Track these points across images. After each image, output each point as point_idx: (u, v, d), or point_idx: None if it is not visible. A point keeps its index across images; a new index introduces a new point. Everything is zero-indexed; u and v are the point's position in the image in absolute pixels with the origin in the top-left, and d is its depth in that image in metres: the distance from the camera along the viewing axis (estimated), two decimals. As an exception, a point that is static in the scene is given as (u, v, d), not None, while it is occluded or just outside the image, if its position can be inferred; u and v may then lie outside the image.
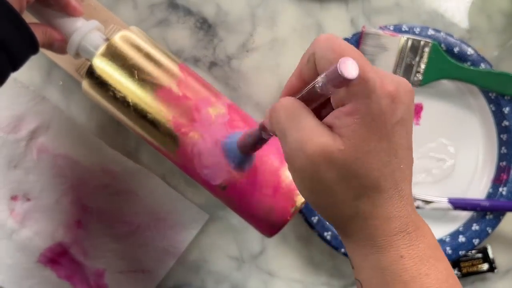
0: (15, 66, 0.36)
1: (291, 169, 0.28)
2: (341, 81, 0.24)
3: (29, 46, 0.36)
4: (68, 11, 0.40)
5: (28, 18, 0.37)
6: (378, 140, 0.26)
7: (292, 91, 0.30)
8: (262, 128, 0.32)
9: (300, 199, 0.40)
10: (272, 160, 0.40)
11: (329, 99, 0.27)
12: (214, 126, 0.40)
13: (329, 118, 0.27)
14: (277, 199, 0.39)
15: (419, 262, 0.26)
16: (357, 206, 0.27)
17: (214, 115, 0.40)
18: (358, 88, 0.25)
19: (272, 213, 0.40)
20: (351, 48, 0.26)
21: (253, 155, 0.39)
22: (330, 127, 0.27)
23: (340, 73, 0.23)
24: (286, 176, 0.40)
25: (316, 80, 0.26)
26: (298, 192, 0.39)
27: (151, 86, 0.39)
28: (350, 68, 0.23)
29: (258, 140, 0.34)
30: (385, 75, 0.27)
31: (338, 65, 0.23)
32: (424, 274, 0.26)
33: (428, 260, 0.26)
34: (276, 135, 0.29)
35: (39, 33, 0.38)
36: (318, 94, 0.26)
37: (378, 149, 0.26)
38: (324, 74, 0.25)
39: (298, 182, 0.28)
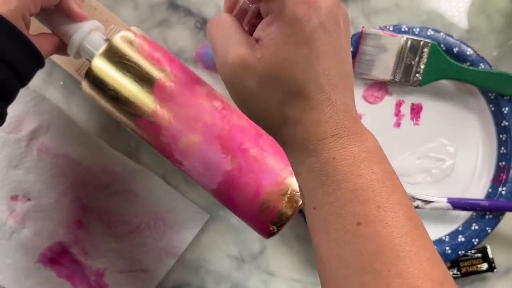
0: (23, 83, 0.36)
1: (222, 80, 0.29)
2: None
3: (35, 62, 0.36)
4: (72, 18, 0.40)
5: (33, 27, 0.37)
6: (296, 46, 0.26)
7: (229, 7, 0.31)
8: None
9: (284, 202, 0.39)
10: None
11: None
12: (215, 121, 0.40)
13: (256, 31, 0.28)
14: (260, 203, 0.39)
15: (352, 163, 0.27)
16: (285, 112, 0.28)
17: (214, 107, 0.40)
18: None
19: (262, 215, 0.39)
20: None
21: None
22: (258, 40, 0.28)
23: None
24: (273, 183, 0.39)
25: None
26: (284, 193, 0.39)
27: (152, 86, 0.39)
28: None
29: None
30: None
31: None
32: (357, 175, 0.27)
33: (362, 162, 0.27)
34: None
35: (47, 45, 0.39)
36: (244, 10, 0.28)
37: (297, 55, 0.27)
38: None
39: (230, 93, 0.30)
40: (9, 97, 0.36)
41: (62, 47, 0.41)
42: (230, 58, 0.28)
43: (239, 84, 0.28)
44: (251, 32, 0.29)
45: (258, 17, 0.30)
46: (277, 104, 0.28)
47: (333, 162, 0.27)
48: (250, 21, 0.31)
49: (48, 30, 0.41)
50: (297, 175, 0.29)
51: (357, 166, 0.27)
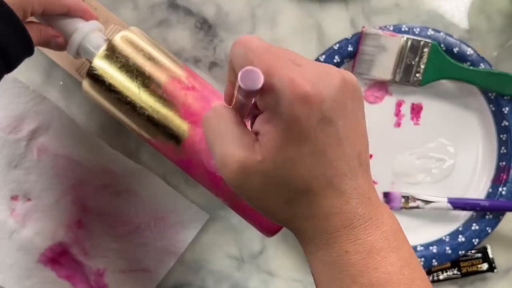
0: (10, 68, 0.36)
1: (224, 180, 0.27)
2: (246, 93, 0.23)
3: (25, 49, 0.36)
4: (84, 16, 0.40)
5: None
6: (298, 145, 0.25)
7: (229, 97, 0.30)
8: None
9: None
10: None
11: None
12: None
13: (255, 125, 0.27)
14: None
15: (366, 256, 0.25)
16: (292, 210, 0.26)
17: None
18: (267, 96, 0.25)
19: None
20: (264, 49, 0.25)
21: None
22: (257, 134, 0.26)
23: (241, 86, 0.23)
24: None
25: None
26: None
27: (153, 86, 0.39)
28: (251, 79, 0.23)
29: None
30: (303, 72, 0.25)
31: (238, 77, 0.23)
32: (372, 268, 0.25)
33: (378, 253, 0.25)
34: None
35: (35, 32, 0.38)
36: (241, 102, 0.26)
37: (300, 154, 0.25)
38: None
39: (234, 191, 0.28)
40: None
41: (49, 35, 0.39)
42: (229, 162, 0.26)
43: (241, 186, 0.26)
44: (253, 122, 0.28)
45: (258, 108, 0.27)
46: (284, 202, 0.26)
47: (346, 256, 0.25)
48: (249, 113, 0.28)
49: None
50: (309, 261, 0.28)
51: (372, 259, 0.25)
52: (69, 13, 0.40)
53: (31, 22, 0.39)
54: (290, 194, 0.26)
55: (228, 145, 0.26)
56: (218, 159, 0.27)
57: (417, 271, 0.26)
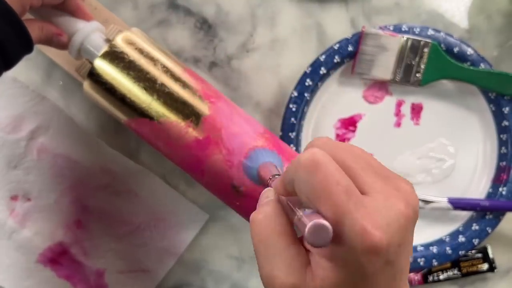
0: (8, 65, 0.35)
1: None
2: (311, 245, 0.22)
3: (24, 46, 0.36)
4: (79, 16, 0.40)
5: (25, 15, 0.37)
6: (354, 286, 0.24)
7: (282, 190, 0.27)
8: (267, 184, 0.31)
9: None
10: None
11: None
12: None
13: (311, 249, 0.25)
14: None
15: None
16: None
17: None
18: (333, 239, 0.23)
19: None
20: (335, 181, 0.23)
21: None
22: (307, 256, 0.25)
23: (308, 241, 0.21)
24: None
25: (296, 213, 0.24)
26: None
27: (154, 86, 0.39)
28: (320, 237, 0.21)
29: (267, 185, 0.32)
30: (373, 212, 0.23)
31: (305, 232, 0.21)
32: None
33: None
34: None
35: (36, 29, 0.38)
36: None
37: None
38: (304, 227, 0.22)
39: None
40: None
41: (51, 32, 0.39)
42: (277, 285, 0.24)
43: None
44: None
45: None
46: None
47: None
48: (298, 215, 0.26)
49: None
50: None
51: None
52: (65, 6, 0.39)
53: (32, 19, 0.39)
54: None
55: (278, 265, 0.24)
56: (265, 277, 0.25)
57: None
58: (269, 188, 0.28)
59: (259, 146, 0.40)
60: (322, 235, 0.21)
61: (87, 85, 0.40)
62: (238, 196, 0.40)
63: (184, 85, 0.40)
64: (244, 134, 0.40)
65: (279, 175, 0.31)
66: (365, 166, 0.25)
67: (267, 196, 0.27)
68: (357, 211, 0.23)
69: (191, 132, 0.39)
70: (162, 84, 0.39)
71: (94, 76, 0.39)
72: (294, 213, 0.24)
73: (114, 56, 0.39)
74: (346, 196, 0.23)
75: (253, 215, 0.26)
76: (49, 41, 0.40)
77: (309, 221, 0.21)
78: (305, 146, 0.26)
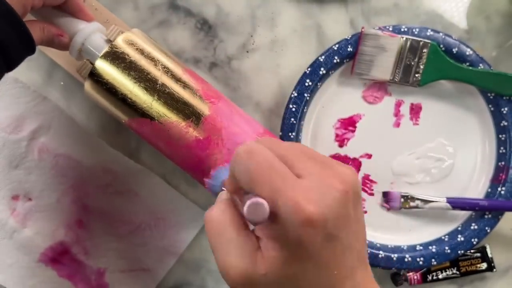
0: (10, 67, 0.36)
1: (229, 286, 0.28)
2: (251, 222, 0.24)
3: (26, 48, 0.36)
4: (80, 16, 0.40)
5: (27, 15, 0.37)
6: (301, 262, 0.25)
7: (233, 186, 0.29)
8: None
9: None
10: None
11: None
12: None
13: (258, 230, 0.27)
14: None
15: None
16: None
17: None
18: (272, 217, 0.25)
19: None
20: (267, 167, 0.25)
21: None
22: (259, 240, 0.26)
23: (247, 218, 0.23)
24: None
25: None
26: None
27: (155, 87, 0.39)
28: (257, 213, 0.23)
29: None
30: (306, 188, 0.25)
31: (244, 210, 0.23)
32: None
33: None
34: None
35: (37, 30, 0.38)
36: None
37: (304, 269, 0.25)
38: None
39: None
40: None
41: (52, 33, 0.39)
42: (231, 272, 0.26)
43: None
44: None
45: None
46: None
47: None
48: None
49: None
50: None
51: None
52: (65, 7, 0.39)
53: (34, 20, 0.39)
54: None
55: (231, 253, 0.26)
56: (220, 266, 0.27)
57: None
58: (223, 191, 0.29)
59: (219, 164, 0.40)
60: (259, 211, 0.23)
61: (88, 86, 0.40)
62: None
63: (185, 85, 0.40)
64: (244, 134, 0.40)
65: None
66: (300, 154, 0.27)
67: (220, 197, 0.29)
68: (291, 189, 0.24)
69: (192, 132, 0.40)
70: (163, 85, 0.40)
71: (95, 77, 0.39)
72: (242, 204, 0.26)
73: (115, 57, 0.39)
74: (281, 178, 0.25)
75: (207, 213, 0.28)
76: (50, 42, 0.40)
77: (247, 201, 0.23)
78: None
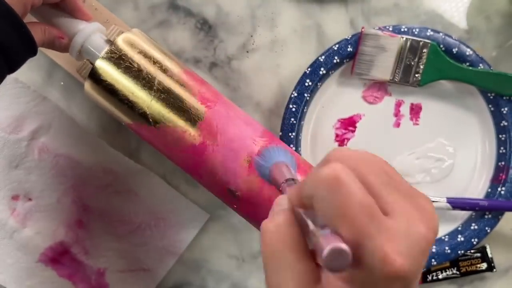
0: (12, 68, 0.36)
1: None
2: (328, 269, 0.21)
3: (28, 49, 0.36)
4: (78, 16, 0.40)
5: (27, 17, 0.37)
6: None
7: (297, 199, 0.26)
8: (280, 188, 0.30)
9: None
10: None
11: None
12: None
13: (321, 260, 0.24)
14: None
15: None
16: None
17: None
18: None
19: None
20: (358, 202, 0.22)
21: None
22: (318, 271, 0.24)
23: (325, 265, 0.20)
24: None
25: (312, 230, 0.23)
26: None
27: (154, 88, 0.39)
28: (338, 261, 0.20)
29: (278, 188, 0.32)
30: (395, 236, 0.22)
31: (323, 256, 0.20)
32: None
33: None
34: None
35: (39, 32, 0.38)
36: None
37: None
38: (321, 249, 0.21)
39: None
40: None
41: (53, 35, 0.39)
42: None
43: None
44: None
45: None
46: None
47: None
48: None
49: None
50: None
51: None
52: (64, 5, 0.40)
53: (35, 22, 0.39)
54: None
55: (287, 281, 0.23)
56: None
57: None
58: (284, 196, 0.27)
59: (271, 144, 0.39)
60: (340, 260, 0.20)
61: (88, 86, 0.40)
62: (235, 200, 0.40)
63: (183, 87, 0.40)
64: (241, 140, 0.40)
65: (293, 179, 0.30)
66: (387, 183, 0.24)
67: (281, 204, 0.26)
68: (379, 235, 0.22)
69: (188, 138, 0.39)
70: (161, 86, 0.39)
71: (95, 77, 0.39)
72: (308, 228, 0.23)
73: (115, 57, 0.39)
74: (369, 218, 0.22)
75: (264, 224, 0.25)
76: (51, 44, 0.40)
77: (327, 244, 0.20)
78: (324, 158, 0.25)
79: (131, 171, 0.49)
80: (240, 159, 0.39)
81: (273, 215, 0.25)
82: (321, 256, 0.20)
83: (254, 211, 0.40)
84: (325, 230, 0.22)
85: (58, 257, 0.49)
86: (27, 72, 0.48)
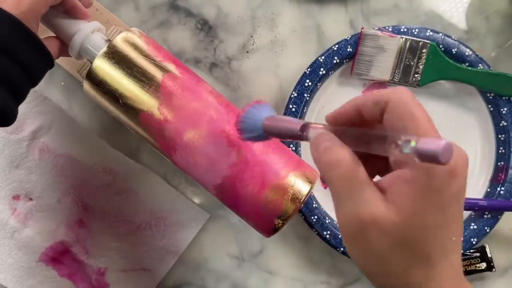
0: (34, 83, 0.38)
1: (344, 234, 0.28)
2: (431, 160, 0.23)
3: (47, 65, 0.38)
4: (76, 15, 0.40)
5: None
6: (433, 213, 0.26)
7: (342, 118, 0.30)
8: (302, 130, 0.31)
9: (289, 202, 0.39)
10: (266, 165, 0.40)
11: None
12: (220, 115, 0.40)
13: (385, 181, 0.27)
14: (266, 196, 0.39)
15: None
16: (409, 277, 0.27)
17: (216, 115, 0.40)
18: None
19: (267, 208, 0.39)
20: (425, 116, 0.28)
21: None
22: (383, 190, 0.27)
23: (438, 158, 0.23)
24: (277, 177, 0.40)
25: (388, 136, 0.26)
26: (287, 192, 0.39)
27: (153, 86, 0.40)
28: (448, 154, 0.23)
29: (293, 136, 0.32)
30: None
31: (439, 150, 0.23)
32: None
33: None
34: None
35: (55, 48, 0.40)
36: (386, 151, 0.26)
37: (432, 223, 0.26)
38: (411, 145, 0.24)
39: (350, 248, 0.28)
40: (21, 97, 0.37)
41: (65, 50, 0.42)
42: (363, 217, 0.26)
43: (367, 243, 0.27)
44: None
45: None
46: (403, 269, 0.27)
47: None
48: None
49: (51, 33, 0.41)
50: None
51: None
52: (62, 5, 0.40)
53: (50, 37, 0.40)
54: (412, 261, 0.27)
55: (362, 202, 0.26)
56: (347, 213, 0.27)
57: None
58: (326, 132, 0.29)
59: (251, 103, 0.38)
60: (450, 152, 0.23)
61: (86, 85, 0.40)
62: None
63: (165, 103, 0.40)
64: (196, 111, 0.40)
65: (305, 125, 0.31)
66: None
67: (329, 139, 0.28)
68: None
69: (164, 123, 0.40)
70: (159, 85, 0.40)
71: (94, 76, 0.40)
72: (368, 142, 0.27)
73: (113, 56, 0.39)
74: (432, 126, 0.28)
75: (329, 158, 0.27)
76: (66, 53, 0.42)
77: (433, 143, 0.23)
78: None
79: (132, 171, 0.49)
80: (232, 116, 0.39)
81: (330, 149, 0.28)
82: (435, 153, 0.23)
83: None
84: (406, 136, 0.25)
85: (58, 257, 0.49)
86: (28, 72, 0.48)
